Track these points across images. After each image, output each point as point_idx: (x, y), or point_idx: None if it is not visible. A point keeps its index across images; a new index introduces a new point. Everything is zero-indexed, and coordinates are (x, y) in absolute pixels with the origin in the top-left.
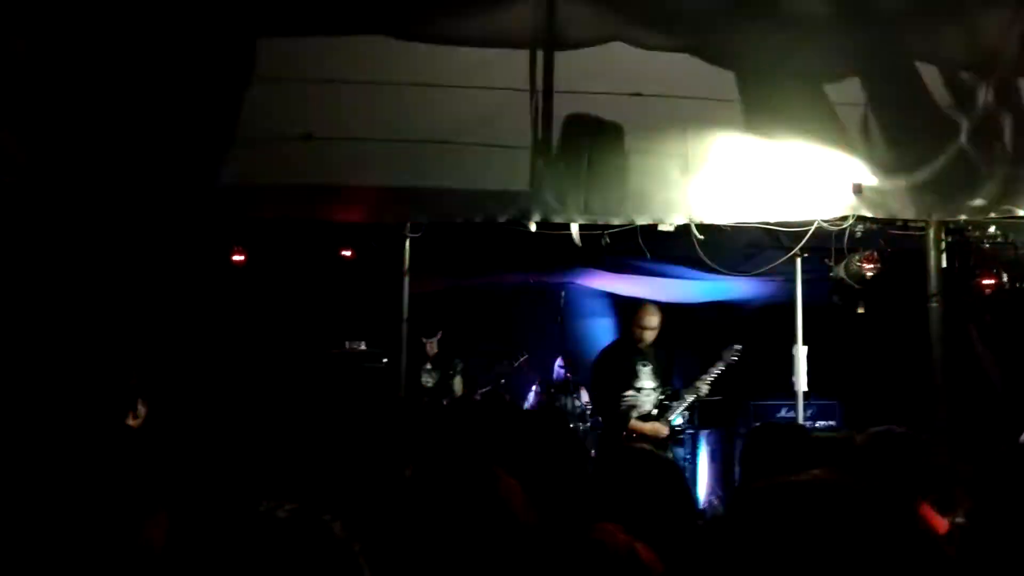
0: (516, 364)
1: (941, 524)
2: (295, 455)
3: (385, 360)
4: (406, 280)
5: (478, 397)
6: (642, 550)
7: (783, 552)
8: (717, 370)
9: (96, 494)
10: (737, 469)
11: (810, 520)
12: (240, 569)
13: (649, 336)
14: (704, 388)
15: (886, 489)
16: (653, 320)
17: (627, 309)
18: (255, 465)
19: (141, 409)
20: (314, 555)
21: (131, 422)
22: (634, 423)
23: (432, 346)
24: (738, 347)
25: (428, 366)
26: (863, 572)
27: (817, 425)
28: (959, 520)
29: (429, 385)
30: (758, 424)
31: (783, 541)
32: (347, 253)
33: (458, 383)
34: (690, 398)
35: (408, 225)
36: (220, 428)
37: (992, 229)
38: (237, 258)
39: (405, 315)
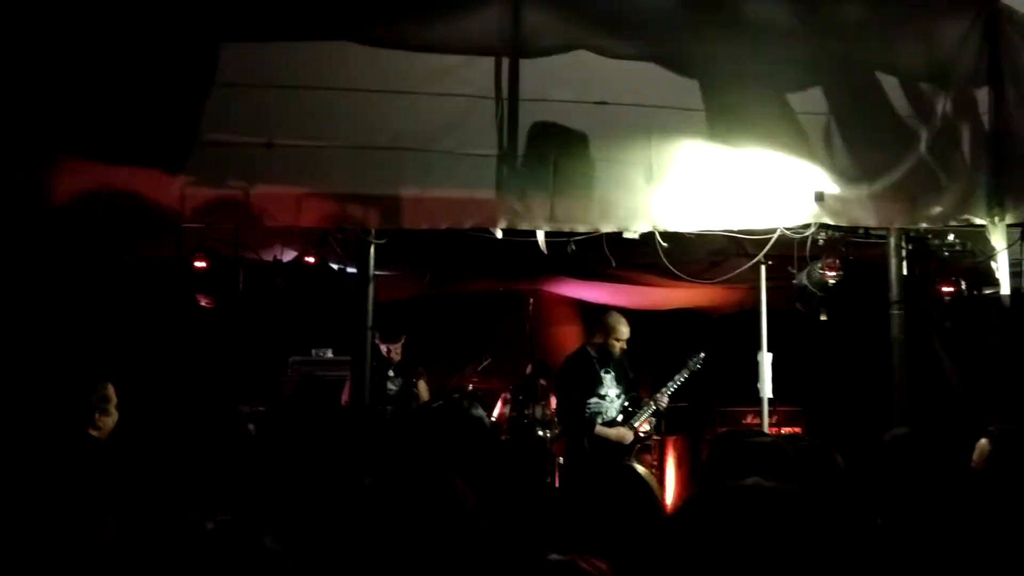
0: (479, 368)
1: None
2: (258, 465)
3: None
4: (371, 287)
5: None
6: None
7: (720, 556)
8: (681, 377)
9: (51, 498)
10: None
11: (748, 525)
12: None
13: (619, 349)
14: (666, 396)
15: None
16: (627, 331)
17: (595, 316)
18: (210, 477)
19: (105, 421)
20: (238, 567)
21: (94, 433)
22: (599, 429)
23: (396, 352)
24: (702, 355)
25: (391, 373)
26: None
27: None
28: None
29: (392, 392)
30: (723, 432)
31: (719, 545)
32: (310, 260)
33: (423, 389)
34: (655, 405)
35: (373, 231)
36: (180, 437)
37: (951, 237)
38: (199, 264)
39: (370, 322)
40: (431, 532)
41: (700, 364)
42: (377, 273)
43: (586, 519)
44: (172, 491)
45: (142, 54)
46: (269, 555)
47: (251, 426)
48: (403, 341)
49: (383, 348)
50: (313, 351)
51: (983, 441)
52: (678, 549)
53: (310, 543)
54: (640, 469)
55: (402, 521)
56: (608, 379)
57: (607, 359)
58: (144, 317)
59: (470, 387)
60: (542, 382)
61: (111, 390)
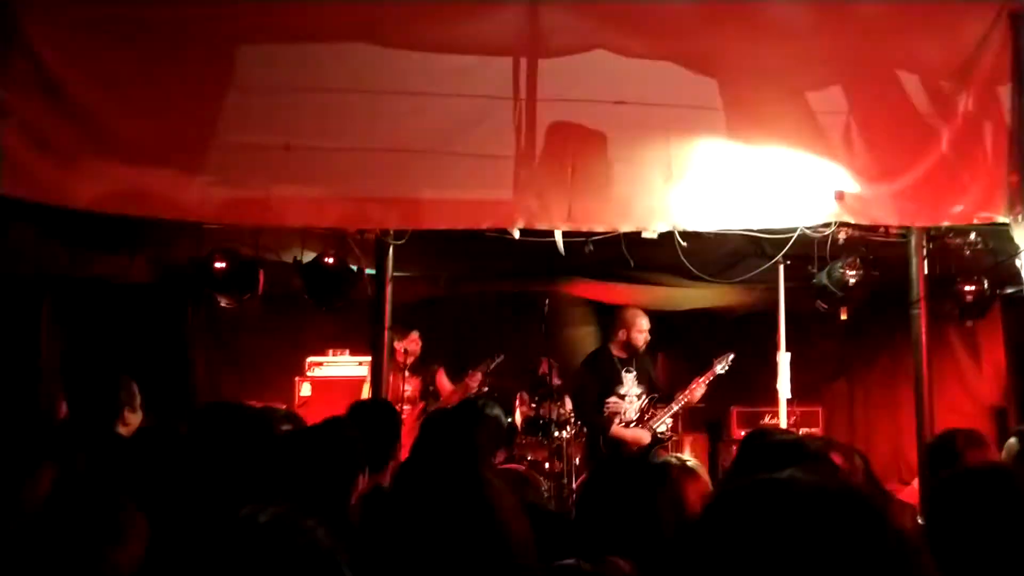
0: (492, 366)
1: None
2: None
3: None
4: (388, 288)
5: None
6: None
7: (751, 550)
8: (707, 378)
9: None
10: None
11: (778, 518)
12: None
13: (643, 341)
14: (697, 394)
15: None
16: (647, 324)
17: (611, 317)
18: (239, 473)
19: (132, 418)
20: (295, 561)
21: (120, 430)
22: (616, 429)
23: (411, 350)
24: (731, 356)
25: (407, 373)
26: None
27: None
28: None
29: (408, 392)
30: (753, 431)
31: (750, 539)
32: (329, 260)
33: (443, 384)
34: (676, 406)
35: (391, 232)
36: (200, 435)
37: (973, 236)
38: (219, 265)
39: (388, 323)
40: (464, 532)
41: (728, 365)
42: (395, 274)
43: (606, 518)
44: (205, 488)
45: (163, 57)
46: (323, 549)
47: (288, 427)
48: (416, 337)
49: (399, 350)
50: (330, 351)
51: (1012, 440)
52: (709, 545)
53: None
54: (691, 462)
55: (434, 520)
56: (629, 378)
57: (630, 358)
58: (165, 317)
59: (485, 388)
60: (557, 382)
61: (136, 387)
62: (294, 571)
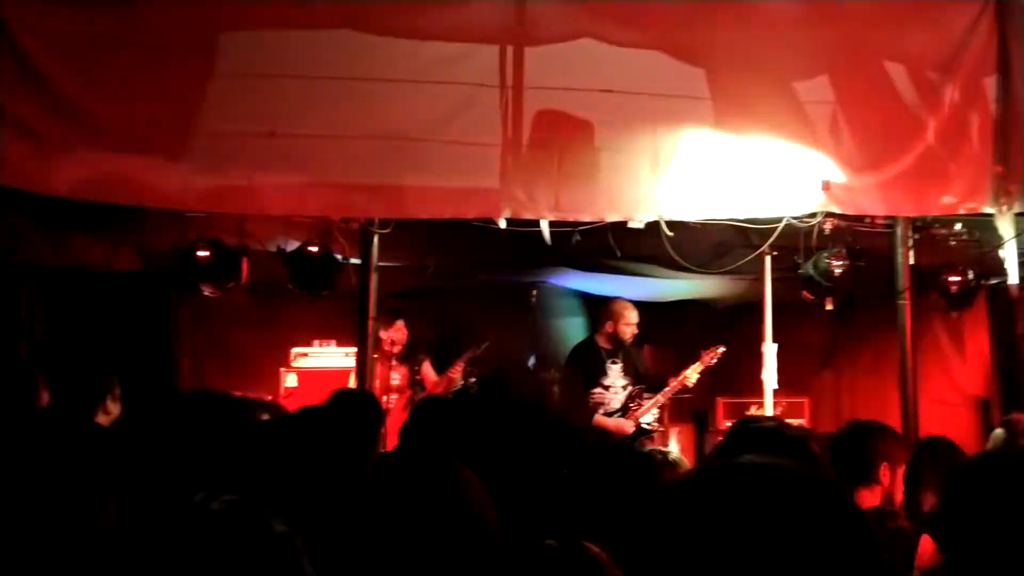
0: (478, 351)
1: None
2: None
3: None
4: (373, 277)
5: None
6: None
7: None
8: (694, 370)
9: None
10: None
11: (744, 501)
12: (169, 560)
13: (631, 333)
14: (689, 381)
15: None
16: (635, 316)
17: (599, 307)
18: (219, 461)
19: (112, 408)
20: (248, 549)
21: (101, 420)
22: (598, 419)
23: (397, 339)
24: (721, 349)
25: (393, 362)
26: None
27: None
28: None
29: (397, 382)
30: (738, 420)
31: (711, 522)
32: (314, 249)
33: (428, 373)
34: (663, 398)
35: (376, 221)
36: (184, 420)
37: (958, 227)
38: (202, 253)
39: (373, 313)
40: (436, 521)
41: (717, 358)
42: (380, 264)
43: (585, 503)
44: (175, 475)
45: (146, 45)
46: (277, 536)
47: (266, 416)
48: (402, 325)
49: (386, 339)
50: (316, 342)
51: (998, 431)
52: (672, 526)
53: (315, 528)
54: (672, 454)
55: (406, 511)
56: (615, 370)
57: (616, 349)
58: (146, 305)
59: (472, 378)
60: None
61: (116, 379)
62: (246, 558)
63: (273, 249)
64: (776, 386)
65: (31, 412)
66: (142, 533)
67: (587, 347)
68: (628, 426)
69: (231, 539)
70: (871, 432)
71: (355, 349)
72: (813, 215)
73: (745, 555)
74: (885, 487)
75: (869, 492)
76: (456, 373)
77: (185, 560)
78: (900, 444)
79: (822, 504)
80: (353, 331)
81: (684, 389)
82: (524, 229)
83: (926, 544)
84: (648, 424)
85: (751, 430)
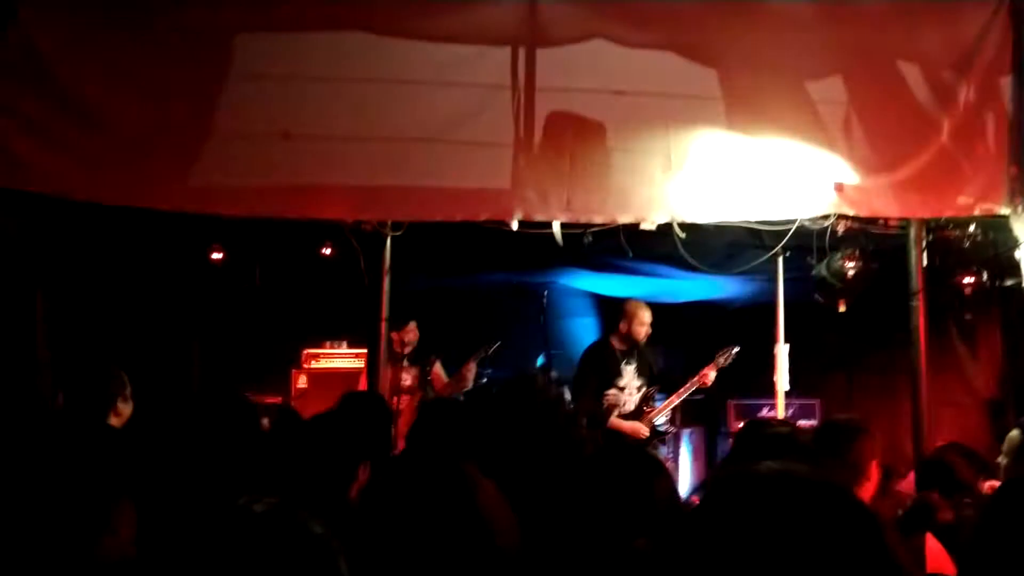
0: (490, 352)
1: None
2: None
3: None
4: (386, 279)
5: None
6: None
7: (739, 537)
8: (708, 372)
9: (66, 489)
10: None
11: (763, 507)
12: (217, 563)
13: (644, 333)
14: (689, 392)
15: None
16: (648, 317)
17: (610, 308)
18: (230, 463)
19: (123, 408)
20: (291, 551)
21: (113, 421)
22: (614, 421)
23: (408, 340)
24: (735, 350)
25: (405, 363)
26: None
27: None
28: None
29: (407, 383)
30: (748, 421)
31: (738, 527)
32: (327, 251)
33: (439, 375)
34: (677, 399)
35: (389, 224)
36: (196, 426)
37: (972, 228)
38: (216, 256)
39: (385, 314)
40: (446, 530)
41: (732, 359)
42: (393, 266)
43: (596, 506)
44: (188, 478)
45: (161, 47)
46: (318, 539)
47: (265, 420)
48: (414, 327)
49: (396, 340)
50: (327, 343)
51: (1014, 432)
52: (700, 535)
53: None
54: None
55: (417, 519)
56: (629, 371)
57: (631, 351)
58: (161, 305)
59: (483, 380)
60: (554, 374)
61: (125, 377)
62: (289, 560)
63: (287, 251)
64: (788, 387)
65: (42, 415)
66: (189, 537)
67: (601, 348)
68: (644, 429)
69: (275, 541)
70: (856, 432)
71: (366, 350)
72: (826, 216)
73: (763, 562)
74: (875, 484)
75: (861, 491)
76: (468, 374)
77: (233, 561)
78: (875, 439)
79: (839, 511)
80: (365, 332)
81: (697, 390)
82: (536, 231)
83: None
84: (661, 426)
85: (765, 436)
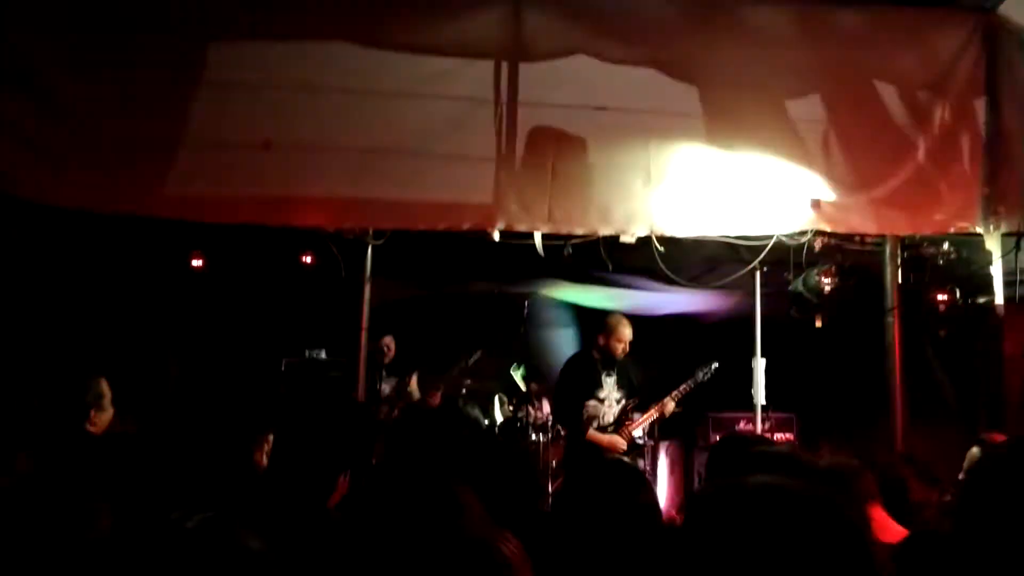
0: (471, 361)
1: (895, 532)
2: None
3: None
4: (367, 288)
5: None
6: None
7: (729, 552)
8: (687, 386)
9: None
10: (698, 480)
11: (754, 520)
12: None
13: (621, 350)
14: (671, 404)
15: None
16: (628, 333)
17: (591, 319)
18: (203, 473)
19: (101, 416)
20: (221, 568)
21: (90, 428)
22: (592, 434)
23: (387, 349)
24: (715, 366)
25: (384, 373)
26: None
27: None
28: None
29: (387, 392)
30: (723, 436)
31: (729, 541)
32: (307, 260)
33: (415, 388)
34: (656, 413)
35: (370, 232)
36: (175, 435)
37: (946, 246)
38: (196, 263)
39: (365, 323)
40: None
41: (710, 375)
42: (373, 275)
43: (584, 519)
44: (161, 489)
45: (142, 55)
46: (251, 555)
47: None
48: (390, 341)
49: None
50: (307, 352)
51: (974, 449)
52: (693, 546)
53: (299, 543)
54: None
55: (401, 527)
56: (609, 382)
57: (610, 362)
58: (140, 313)
59: (463, 391)
60: (534, 386)
61: (105, 385)
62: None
63: (267, 260)
64: (765, 402)
65: (21, 418)
66: (121, 550)
67: (582, 360)
68: (621, 442)
69: (202, 557)
70: (854, 476)
71: (345, 359)
72: (803, 232)
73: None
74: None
75: None
76: (435, 400)
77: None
78: (872, 480)
79: (826, 522)
80: (344, 341)
81: (675, 404)
82: (518, 242)
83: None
84: (639, 438)
85: (758, 455)
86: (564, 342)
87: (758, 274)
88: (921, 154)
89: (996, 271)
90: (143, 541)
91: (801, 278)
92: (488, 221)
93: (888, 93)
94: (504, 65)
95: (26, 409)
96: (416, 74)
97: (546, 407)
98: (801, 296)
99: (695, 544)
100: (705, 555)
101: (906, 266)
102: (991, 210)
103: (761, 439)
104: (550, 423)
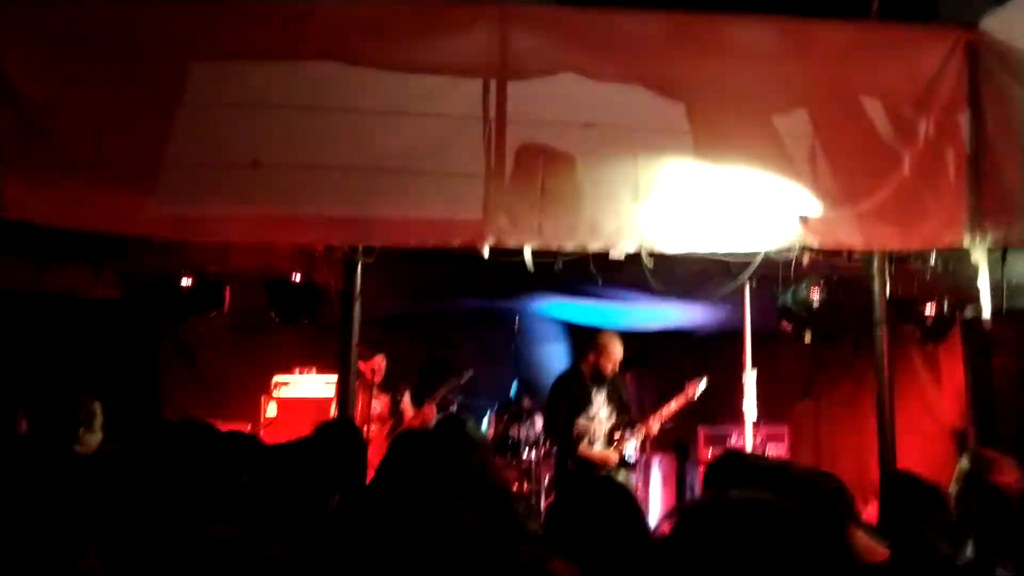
0: (462, 381)
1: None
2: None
3: None
4: (356, 305)
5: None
6: None
7: (715, 565)
8: (678, 402)
9: (32, 521)
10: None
11: (741, 536)
12: None
13: (611, 369)
14: (656, 425)
15: (819, 513)
16: (619, 352)
17: (582, 335)
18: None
19: (89, 437)
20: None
21: (78, 449)
22: (583, 449)
23: (378, 371)
24: (704, 381)
25: (375, 391)
26: None
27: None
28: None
29: (377, 411)
30: (723, 452)
31: (716, 555)
32: (297, 278)
33: (407, 407)
34: (646, 428)
35: (360, 249)
36: (158, 453)
37: (934, 259)
38: (185, 282)
39: (355, 340)
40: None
41: (700, 390)
42: (363, 292)
43: (573, 534)
44: (159, 507)
45: (131, 74)
46: (281, 564)
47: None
48: (381, 359)
49: (366, 368)
50: (297, 370)
51: (963, 461)
52: (678, 560)
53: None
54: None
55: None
56: (599, 399)
57: (600, 379)
58: (130, 333)
59: (452, 408)
60: (526, 402)
61: (97, 407)
62: None
63: (256, 278)
64: (756, 416)
65: (8, 441)
66: (151, 564)
67: (572, 377)
68: (612, 457)
69: (237, 567)
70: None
71: (336, 377)
72: (791, 247)
73: None
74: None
75: None
76: (431, 412)
77: None
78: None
79: (809, 538)
80: (334, 359)
81: (666, 420)
82: (507, 259)
83: None
84: (630, 454)
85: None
86: (556, 357)
87: (748, 288)
88: (907, 169)
89: (983, 284)
90: (180, 552)
91: (790, 292)
92: (478, 238)
93: (873, 108)
94: (492, 83)
95: (13, 431)
96: (404, 93)
97: (538, 423)
98: (790, 310)
99: (678, 558)
100: (687, 569)
101: (894, 279)
102: (977, 224)
103: (757, 456)
104: (542, 439)
